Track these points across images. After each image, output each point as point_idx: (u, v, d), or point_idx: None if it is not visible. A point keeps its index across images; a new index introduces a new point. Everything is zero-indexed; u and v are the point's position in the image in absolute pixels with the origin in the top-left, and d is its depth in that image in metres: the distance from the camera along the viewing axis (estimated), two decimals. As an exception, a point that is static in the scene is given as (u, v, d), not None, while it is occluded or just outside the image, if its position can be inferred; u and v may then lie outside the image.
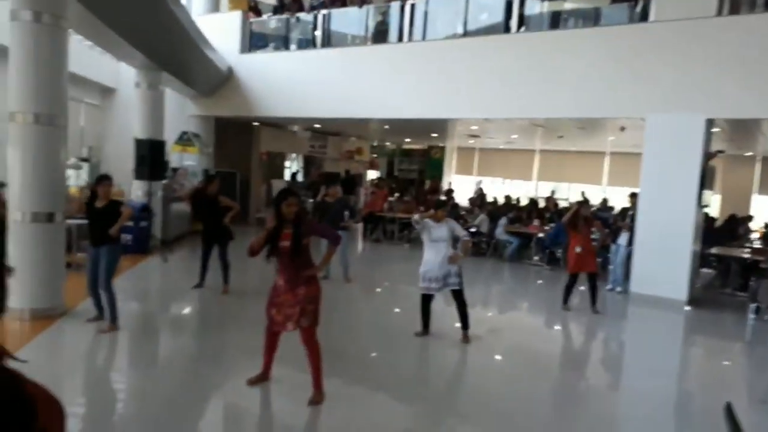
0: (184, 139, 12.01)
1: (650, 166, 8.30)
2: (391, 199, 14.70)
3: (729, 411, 2.54)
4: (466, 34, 10.09)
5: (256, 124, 14.57)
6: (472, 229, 11.48)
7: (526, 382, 4.98)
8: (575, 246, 7.35)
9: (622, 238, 8.79)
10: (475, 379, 5.17)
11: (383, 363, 5.29)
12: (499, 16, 9.81)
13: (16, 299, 5.56)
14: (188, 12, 9.92)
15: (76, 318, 5.79)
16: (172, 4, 8.04)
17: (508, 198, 14.24)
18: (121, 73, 12.24)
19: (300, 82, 11.37)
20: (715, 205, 13.54)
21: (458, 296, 5.82)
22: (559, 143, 16.20)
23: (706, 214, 9.59)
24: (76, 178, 10.59)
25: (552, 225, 11.26)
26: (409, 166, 22.10)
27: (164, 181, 10.42)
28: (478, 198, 15.08)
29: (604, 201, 13.00)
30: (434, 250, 5.70)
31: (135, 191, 9.97)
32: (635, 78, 8.25)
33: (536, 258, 11.33)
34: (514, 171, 20.01)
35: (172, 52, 9.41)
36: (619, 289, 8.81)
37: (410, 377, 5.01)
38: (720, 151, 9.30)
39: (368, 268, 10.51)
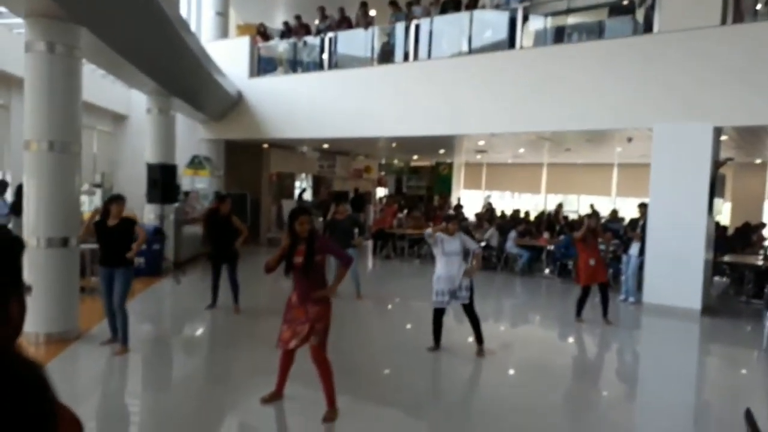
0: (195, 163, 12.21)
1: (659, 176, 8.29)
2: (400, 215, 14.74)
3: (749, 417, 2.53)
4: (471, 51, 10.21)
5: (265, 146, 14.75)
6: (482, 243, 11.48)
7: (540, 395, 4.94)
8: (588, 259, 7.32)
9: (633, 249, 8.75)
10: (488, 393, 5.14)
11: (396, 379, 5.28)
12: (503, 33, 9.93)
13: (30, 323, 5.61)
14: (198, 39, 10.14)
15: (90, 341, 5.85)
16: (183, 32, 8.23)
17: (516, 212, 14.23)
18: (133, 100, 12.51)
19: (308, 104, 11.54)
20: (725, 213, 13.43)
21: (469, 310, 5.83)
22: (566, 156, 16.20)
23: (718, 223, 9.53)
24: (90, 204, 10.76)
25: (562, 237, 11.23)
26: (418, 183, 22.17)
27: (176, 205, 10.58)
28: (487, 212, 15.08)
29: (614, 212, 12.94)
30: (447, 264, 5.73)
31: (147, 215, 10.11)
32: (641, 89, 8.28)
33: (547, 270, 11.28)
34: (522, 185, 20.00)
35: (183, 78, 9.61)
36: (631, 299, 8.74)
37: (424, 393, 5.00)
38: (729, 159, 9.26)
39: (379, 284, 10.52)
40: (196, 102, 10.89)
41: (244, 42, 12.69)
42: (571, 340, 7.13)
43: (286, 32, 13.04)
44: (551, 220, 13.34)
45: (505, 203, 18.99)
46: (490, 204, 16.70)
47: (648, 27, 8.59)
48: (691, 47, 7.93)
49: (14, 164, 8.89)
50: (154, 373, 5.41)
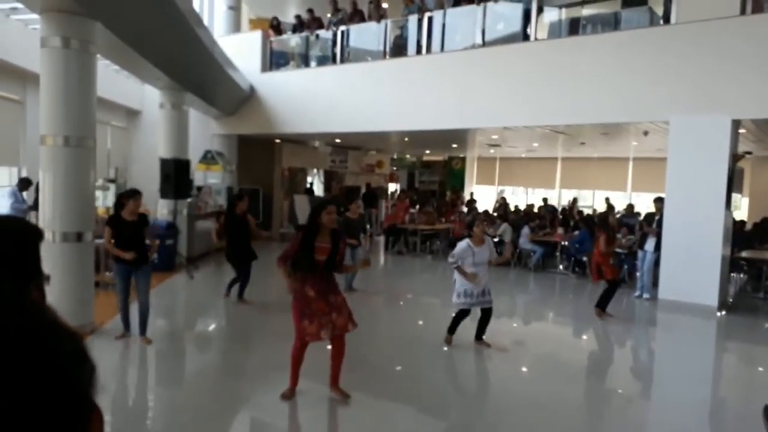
0: (208, 158, 12.25)
1: (676, 170, 8.16)
2: (412, 211, 14.69)
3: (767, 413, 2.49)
4: (485, 44, 10.12)
5: (277, 140, 14.77)
6: (495, 239, 11.41)
7: (555, 391, 4.89)
8: (610, 256, 7.28)
9: (649, 244, 8.63)
10: (502, 389, 5.10)
11: (409, 375, 5.26)
12: (517, 25, 9.82)
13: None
14: (211, 33, 10.15)
15: (105, 335, 5.90)
16: (196, 26, 8.24)
17: (529, 207, 14.12)
18: (146, 95, 12.57)
19: (320, 98, 11.51)
20: (743, 208, 13.21)
21: (488, 313, 5.84)
22: (581, 150, 16.03)
23: (735, 218, 9.38)
24: (104, 199, 10.85)
25: (576, 233, 11.12)
26: (430, 178, 22.07)
27: (189, 200, 10.62)
28: (501, 207, 14.97)
29: (630, 207, 12.80)
30: (476, 271, 5.63)
31: (161, 210, 10.16)
32: (658, 81, 8.15)
33: (561, 266, 11.19)
34: (536, 179, 19.84)
35: (196, 72, 9.63)
36: (647, 295, 8.64)
37: (436, 389, 4.97)
38: (748, 153, 9.09)
39: (391, 280, 10.50)
40: (209, 97, 10.91)
41: (257, 36, 12.69)
42: (585, 336, 7.06)
43: (299, 26, 13.01)
44: (565, 215, 13.20)
45: (518, 199, 18.82)
46: (504, 199, 16.58)
47: (666, 18, 8.45)
48: (709, 38, 7.77)
49: (29, 159, 8.98)
50: (167, 366, 5.44)
